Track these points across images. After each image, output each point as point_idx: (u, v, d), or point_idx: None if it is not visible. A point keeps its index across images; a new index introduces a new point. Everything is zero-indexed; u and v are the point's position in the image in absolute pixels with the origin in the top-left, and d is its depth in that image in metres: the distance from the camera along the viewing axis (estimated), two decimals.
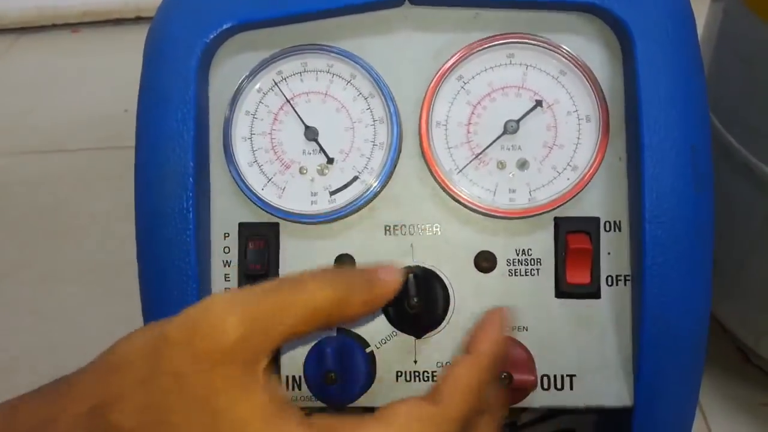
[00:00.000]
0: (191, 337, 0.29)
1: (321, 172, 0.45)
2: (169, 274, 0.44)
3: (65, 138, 1.41)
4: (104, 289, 1.06)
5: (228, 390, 0.29)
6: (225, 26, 0.44)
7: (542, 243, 0.44)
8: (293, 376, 0.46)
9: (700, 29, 0.73)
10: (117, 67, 1.48)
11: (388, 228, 0.45)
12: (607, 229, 0.44)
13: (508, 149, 0.44)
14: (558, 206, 0.43)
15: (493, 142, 0.44)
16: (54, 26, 1.79)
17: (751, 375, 0.84)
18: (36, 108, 1.49)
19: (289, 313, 0.30)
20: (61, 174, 1.34)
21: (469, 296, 0.44)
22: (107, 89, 1.48)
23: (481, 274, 0.44)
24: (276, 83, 0.46)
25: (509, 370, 0.41)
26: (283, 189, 0.45)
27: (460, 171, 0.44)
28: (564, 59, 0.44)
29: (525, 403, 0.43)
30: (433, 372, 0.45)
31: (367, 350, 0.44)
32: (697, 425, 0.81)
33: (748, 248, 0.67)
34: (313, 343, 0.44)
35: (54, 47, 1.75)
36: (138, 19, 1.75)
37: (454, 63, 0.44)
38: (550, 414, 0.53)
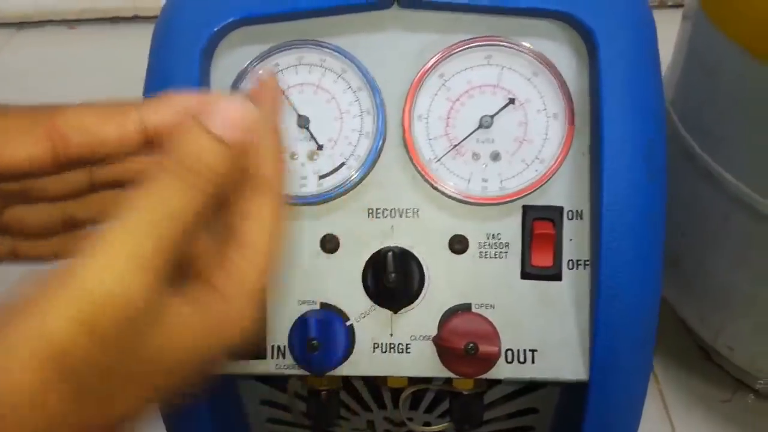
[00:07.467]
0: None
1: (311, 158, 0.49)
2: None
3: None
4: None
5: None
6: (229, 20, 0.48)
7: (511, 228, 0.48)
8: (278, 346, 0.49)
9: (669, 44, 0.78)
10: (114, 64, 1.51)
11: (371, 211, 0.49)
12: (570, 217, 0.48)
13: (483, 142, 0.48)
14: (526, 195, 0.47)
15: (469, 135, 0.48)
16: (51, 22, 1.81)
17: (712, 373, 0.88)
18: (34, 101, 1.52)
19: None
20: None
21: (442, 275, 0.48)
22: (104, 85, 1.51)
23: (454, 255, 0.48)
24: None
25: (475, 341, 0.45)
26: None
27: (439, 160, 0.48)
28: (536, 61, 0.48)
29: (491, 374, 0.47)
30: (407, 344, 0.48)
31: (347, 323, 0.48)
32: (660, 420, 0.86)
33: (707, 248, 0.72)
34: (298, 315, 0.48)
35: (51, 42, 1.77)
36: (135, 18, 1.78)
37: (436, 62, 0.48)
38: (515, 393, 0.56)
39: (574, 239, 0.48)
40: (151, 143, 0.31)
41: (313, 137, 0.49)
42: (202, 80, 0.48)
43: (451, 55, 0.48)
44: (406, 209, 0.49)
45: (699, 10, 0.67)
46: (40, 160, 0.30)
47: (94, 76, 1.54)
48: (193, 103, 0.31)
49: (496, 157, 0.48)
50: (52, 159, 0.31)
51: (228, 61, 0.49)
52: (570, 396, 0.53)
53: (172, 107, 0.31)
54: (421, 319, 0.48)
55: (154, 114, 0.31)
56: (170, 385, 0.29)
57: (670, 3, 1.47)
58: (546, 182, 0.47)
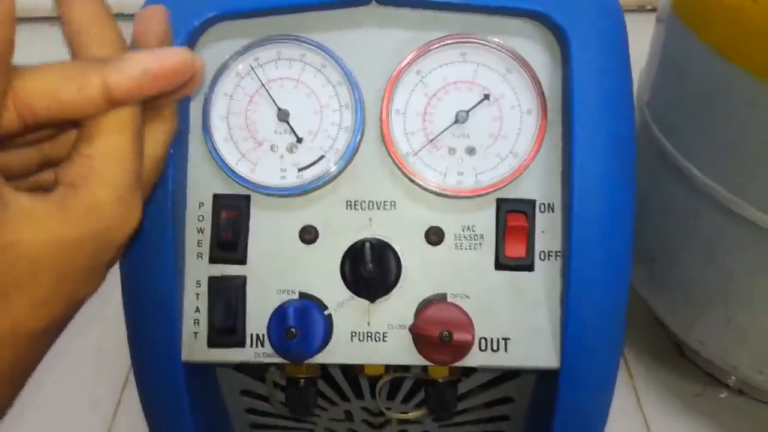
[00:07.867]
0: None
1: (290, 150, 0.50)
2: (147, 238, 0.48)
3: None
4: None
5: None
6: (209, 15, 0.49)
7: (485, 220, 0.49)
8: (257, 335, 0.50)
9: (646, 47, 0.80)
10: None
11: (349, 203, 0.50)
12: (542, 210, 0.49)
13: (458, 137, 0.50)
14: (500, 188, 0.49)
15: (445, 129, 0.49)
16: (32, 19, 1.81)
17: (685, 368, 0.90)
18: None
19: None
20: None
21: (418, 266, 0.49)
22: None
23: (430, 246, 0.50)
24: (253, 68, 0.50)
25: (450, 329, 0.46)
26: (256, 164, 0.50)
27: (416, 154, 0.50)
28: (510, 59, 0.49)
29: (465, 362, 0.48)
30: (384, 333, 0.50)
31: (326, 312, 0.49)
32: (634, 413, 0.87)
33: (680, 244, 0.73)
34: (277, 304, 0.49)
35: (32, 39, 1.77)
36: (119, 16, 1.77)
37: (413, 58, 0.50)
38: (492, 382, 0.58)
39: (546, 231, 0.49)
40: (114, 102, 0.31)
41: (292, 130, 0.50)
42: None
43: (427, 51, 0.50)
44: (384, 201, 0.50)
45: (671, 13, 0.69)
46: (10, 128, 0.31)
47: None
48: (154, 62, 0.31)
49: (471, 151, 0.49)
50: (22, 126, 0.31)
51: (208, 56, 0.50)
52: (544, 385, 0.55)
53: (133, 67, 0.31)
54: (397, 308, 0.49)
55: (117, 75, 0.31)
56: (61, 285, 0.30)
57: (648, 7, 1.49)
58: (519, 176, 0.48)
